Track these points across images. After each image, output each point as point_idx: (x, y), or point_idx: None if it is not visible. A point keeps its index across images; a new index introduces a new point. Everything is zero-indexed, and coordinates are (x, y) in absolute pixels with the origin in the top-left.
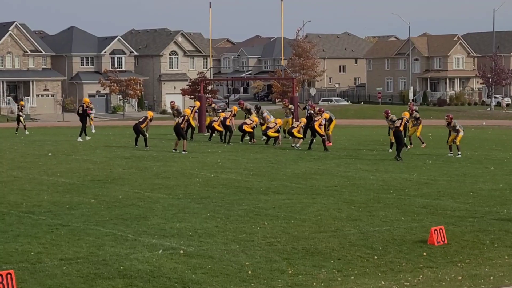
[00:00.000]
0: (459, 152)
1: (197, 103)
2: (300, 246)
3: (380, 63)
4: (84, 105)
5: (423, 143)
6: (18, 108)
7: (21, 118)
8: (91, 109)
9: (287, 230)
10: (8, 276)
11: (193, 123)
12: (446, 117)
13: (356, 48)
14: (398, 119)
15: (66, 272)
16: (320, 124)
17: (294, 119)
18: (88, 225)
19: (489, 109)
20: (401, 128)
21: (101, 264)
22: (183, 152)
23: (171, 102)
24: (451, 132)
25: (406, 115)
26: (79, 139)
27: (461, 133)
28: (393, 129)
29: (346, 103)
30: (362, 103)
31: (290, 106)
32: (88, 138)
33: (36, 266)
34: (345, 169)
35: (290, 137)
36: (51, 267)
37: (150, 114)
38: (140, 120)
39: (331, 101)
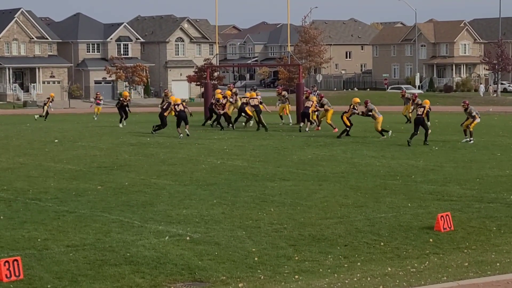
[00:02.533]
0: (472, 138)
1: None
2: (307, 233)
3: (386, 50)
4: (121, 98)
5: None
6: (48, 98)
7: (45, 107)
8: (100, 100)
9: (294, 216)
10: (15, 262)
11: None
12: (463, 104)
13: (363, 35)
14: (421, 107)
15: (72, 258)
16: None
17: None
18: (95, 211)
19: (495, 95)
20: (424, 116)
21: (108, 251)
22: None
23: (165, 90)
24: (468, 118)
25: (427, 103)
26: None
27: (477, 120)
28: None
29: (419, 91)
30: (369, 89)
31: (284, 93)
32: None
33: (42, 252)
34: (351, 155)
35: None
36: (57, 253)
37: (173, 99)
38: (164, 108)
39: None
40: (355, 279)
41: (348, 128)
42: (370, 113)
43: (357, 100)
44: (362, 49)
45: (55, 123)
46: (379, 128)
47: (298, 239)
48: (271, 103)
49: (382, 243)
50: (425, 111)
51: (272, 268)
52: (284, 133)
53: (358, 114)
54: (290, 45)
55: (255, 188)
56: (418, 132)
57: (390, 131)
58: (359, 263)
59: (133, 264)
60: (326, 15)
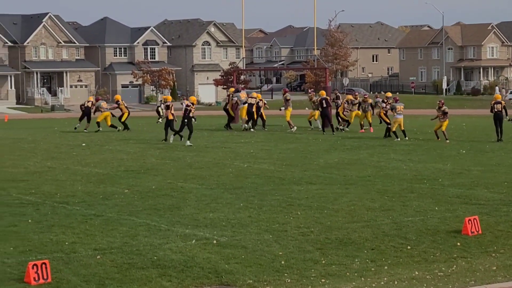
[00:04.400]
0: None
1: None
2: (333, 236)
3: (413, 53)
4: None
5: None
6: (160, 101)
7: (159, 109)
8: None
9: (320, 220)
10: (43, 265)
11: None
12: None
13: (389, 38)
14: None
15: (100, 262)
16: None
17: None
18: (122, 215)
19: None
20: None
21: (135, 254)
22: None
23: (163, 96)
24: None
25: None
26: (188, 142)
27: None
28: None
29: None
30: (398, 93)
31: (314, 99)
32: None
33: (70, 256)
34: (378, 159)
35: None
36: (85, 257)
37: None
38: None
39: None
40: (382, 283)
41: (389, 126)
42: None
43: (389, 94)
44: (389, 53)
45: (82, 127)
46: (394, 129)
47: (325, 242)
48: (297, 106)
49: (409, 247)
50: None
51: (299, 272)
52: (310, 137)
53: (384, 108)
54: (317, 49)
55: (282, 191)
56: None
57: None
58: (386, 267)
59: (160, 268)
60: (353, 19)
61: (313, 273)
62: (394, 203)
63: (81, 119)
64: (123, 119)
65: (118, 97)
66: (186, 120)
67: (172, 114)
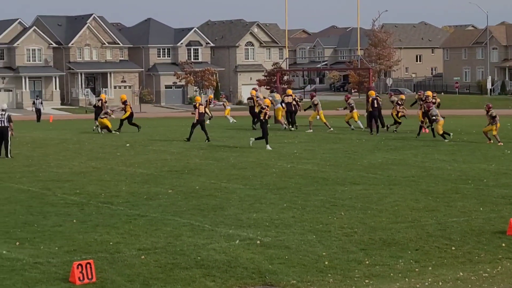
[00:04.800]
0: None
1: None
2: (377, 237)
3: (457, 53)
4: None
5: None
6: (206, 101)
7: (206, 109)
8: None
9: (364, 220)
10: (88, 265)
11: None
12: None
13: (433, 38)
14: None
15: (144, 262)
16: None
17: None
18: (166, 215)
19: None
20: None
21: (179, 254)
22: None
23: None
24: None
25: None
26: (268, 147)
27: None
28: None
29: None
30: (443, 93)
31: (350, 100)
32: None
33: (114, 256)
34: (422, 159)
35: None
36: (129, 257)
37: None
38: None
39: None
40: (427, 283)
41: (430, 125)
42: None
43: (429, 93)
44: (432, 53)
45: (126, 127)
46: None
47: (369, 243)
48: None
49: (453, 248)
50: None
51: (342, 272)
52: (354, 137)
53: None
54: (360, 49)
55: (325, 192)
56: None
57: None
58: (430, 268)
59: (204, 268)
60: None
61: (356, 274)
62: (439, 203)
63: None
64: (122, 117)
65: (124, 96)
66: (261, 123)
67: (200, 114)
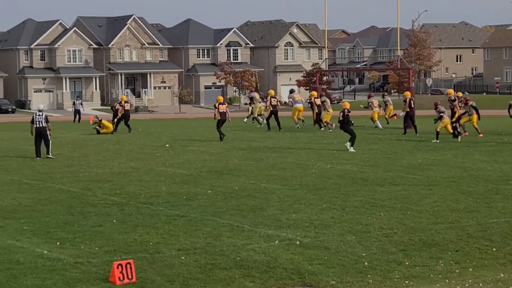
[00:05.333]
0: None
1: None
2: (417, 238)
3: (498, 53)
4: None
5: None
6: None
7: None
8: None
9: (404, 221)
10: (128, 265)
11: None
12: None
13: (474, 38)
14: None
15: (184, 262)
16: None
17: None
18: (205, 215)
19: None
20: None
21: (218, 255)
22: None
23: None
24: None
25: None
26: (351, 148)
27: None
28: None
29: None
30: (485, 93)
31: (372, 99)
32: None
33: (154, 256)
34: (462, 159)
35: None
36: (169, 257)
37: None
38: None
39: None
40: (467, 285)
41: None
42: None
43: (460, 94)
44: (473, 52)
45: (166, 128)
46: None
47: (408, 244)
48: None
49: (494, 249)
50: None
51: (382, 273)
52: (393, 138)
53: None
54: (400, 49)
55: (365, 192)
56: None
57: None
58: (470, 269)
59: (243, 268)
60: (436, 19)
61: (396, 275)
62: (479, 204)
63: (115, 119)
64: (116, 118)
65: (124, 97)
66: (344, 125)
67: (220, 114)
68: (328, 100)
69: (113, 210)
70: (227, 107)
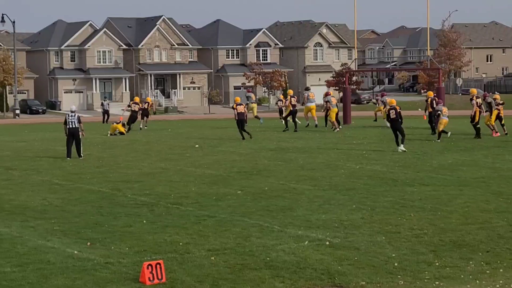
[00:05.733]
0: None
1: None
2: (447, 238)
3: None
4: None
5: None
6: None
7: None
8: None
9: (434, 222)
10: (158, 266)
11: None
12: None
13: (504, 37)
14: None
15: (213, 262)
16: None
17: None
18: (235, 216)
19: None
20: None
21: (248, 255)
22: None
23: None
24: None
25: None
26: (402, 147)
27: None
28: None
29: None
30: None
31: (384, 98)
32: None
33: (184, 256)
34: (493, 160)
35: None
36: (198, 257)
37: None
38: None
39: None
40: (498, 286)
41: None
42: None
43: (474, 91)
44: (503, 52)
45: (195, 129)
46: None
47: (439, 244)
48: (409, 107)
49: None
50: None
51: (412, 274)
52: (423, 138)
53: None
54: (430, 49)
55: (395, 193)
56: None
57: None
58: (501, 270)
59: (273, 269)
60: (467, 19)
61: (426, 275)
62: (510, 205)
63: (142, 118)
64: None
65: (137, 99)
66: (397, 123)
67: (238, 114)
68: (332, 100)
69: (143, 211)
70: (245, 107)
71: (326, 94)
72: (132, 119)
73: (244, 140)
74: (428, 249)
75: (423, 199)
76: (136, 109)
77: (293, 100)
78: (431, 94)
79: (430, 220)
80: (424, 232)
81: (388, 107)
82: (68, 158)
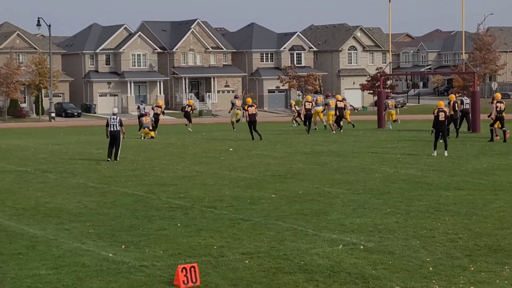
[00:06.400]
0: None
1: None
2: (482, 243)
3: None
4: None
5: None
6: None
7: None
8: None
9: (469, 226)
10: (192, 269)
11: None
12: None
13: None
14: None
15: (247, 266)
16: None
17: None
18: (269, 219)
19: None
20: None
21: (282, 259)
22: None
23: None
24: None
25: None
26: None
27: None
28: None
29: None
30: None
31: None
32: None
33: (218, 259)
34: None
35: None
36: (233, 261)
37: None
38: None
39: None
40: None
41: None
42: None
43: (499, 95)
44: None
45: (230, 132)
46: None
47: (474, 249)
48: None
49: None
50: None
51: (447, 279)
52: (458, 142)
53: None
54: (465, 53)
55: (429, 197)
56: None
57: None
58: None
59: (307, 273)
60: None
61: (461, 280)
62: None
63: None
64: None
65: (160, 102)
66: (444, 126)
67: (250, 116)
68: (330, 103)
69: (177, 214)
70: (256, 108)
71: (327, 96)
72: (156, 122)
73: (253, 140)
74: (463, 253)
75: (458, 204)
76: (159, 112)
77: (308, 105)
78: (453, 97)
79: (465, 224)
80: (459, 237)
81: (436, 109)
82: (109, 160)
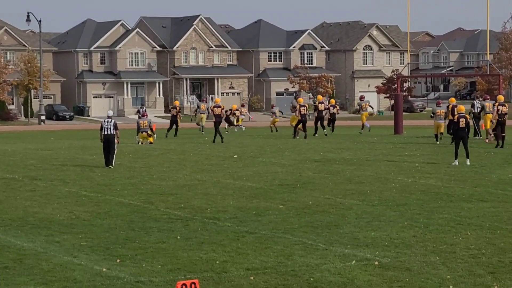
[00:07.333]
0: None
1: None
2: (507, 259)
3: None
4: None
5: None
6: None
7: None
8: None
9: (493, 241)
10: (193, 285)
11: None
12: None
13: None
14: None
15: (252, 283)
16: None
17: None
18: (276, 232)
19: None
20: None
21: (290, 275)
22: None
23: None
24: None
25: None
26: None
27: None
28: None
29: None
30: None
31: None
32: None
33: (221, 275)
34: None
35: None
36: (237, 277)
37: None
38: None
39: None
40: None
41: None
42: None
43: (501, 98)
44: None
45: (234, 137)
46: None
47: (498, 266)
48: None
49: None
50: None
51: None
52: (481, 150)
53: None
54: (489, 53)
55: (450, 209)
56: None
57: None
58: None
59: None
60: None
61: None
62: None
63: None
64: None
65: (176, 102)
66: (464, 132)
67: (215, 116)
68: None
69: (177, 226)
70: (222, 109)
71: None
72: (171, 124)
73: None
74: (486, 270)
75: (481, 216)
76: (174, 113)
77: (303, 110)
78: (453, 100)
79: (489, 239)
80: (482, 252)
81: (456, 114)
82: (111, 167)
